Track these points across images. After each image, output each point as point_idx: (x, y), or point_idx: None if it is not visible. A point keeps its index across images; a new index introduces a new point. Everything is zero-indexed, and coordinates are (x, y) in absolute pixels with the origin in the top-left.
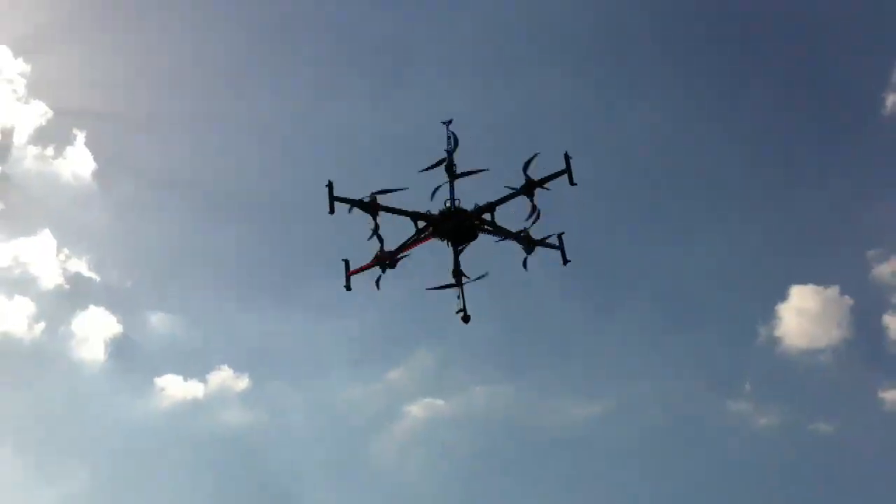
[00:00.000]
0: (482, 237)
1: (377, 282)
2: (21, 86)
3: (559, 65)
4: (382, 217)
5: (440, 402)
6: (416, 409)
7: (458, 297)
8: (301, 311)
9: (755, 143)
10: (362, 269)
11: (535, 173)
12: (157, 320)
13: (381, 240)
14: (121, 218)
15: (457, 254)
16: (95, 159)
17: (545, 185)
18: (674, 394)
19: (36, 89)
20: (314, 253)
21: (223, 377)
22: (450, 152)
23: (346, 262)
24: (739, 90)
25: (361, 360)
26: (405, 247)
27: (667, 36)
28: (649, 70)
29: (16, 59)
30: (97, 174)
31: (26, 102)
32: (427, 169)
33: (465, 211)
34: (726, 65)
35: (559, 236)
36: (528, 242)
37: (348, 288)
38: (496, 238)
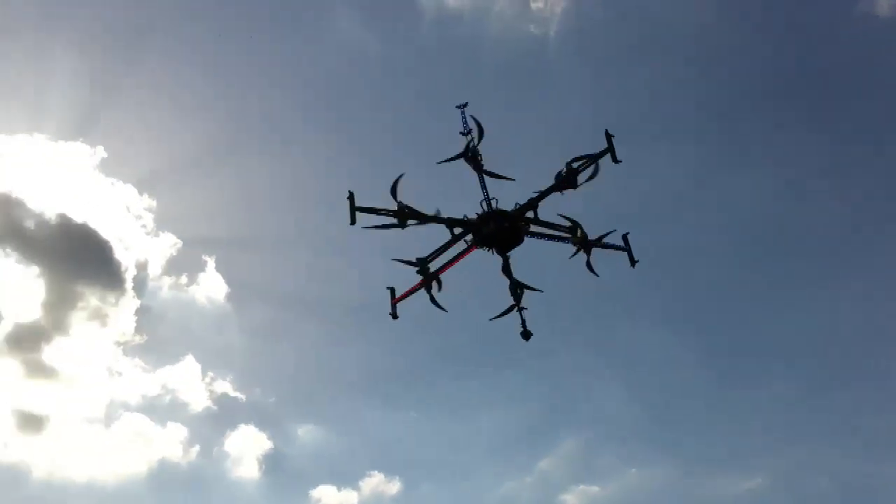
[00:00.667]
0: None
1: (393, 311)
2: (150, 220)
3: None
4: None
5: (595, 488)
6: (573, 499)
7: (519, 313)
8: (440, 408)
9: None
10: (408, 294)
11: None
12: (305, 432)
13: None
14: (257, 336)
15: (507, 263)
16: (227, 282)
17: (586, 167)
18: (830, 459)
19: (163, 222)
20: (443, 353)
21: (375, 483)
22: (470, 143)
23: (392, 290)
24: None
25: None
26: (448, 263)
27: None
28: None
29: (141, 196)
30: (230, 296)
31: (156, 235)
32: (447, 160)
33: (506, 212)
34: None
35: (624, 237)
36: (585, 244)
37: (394, 316)
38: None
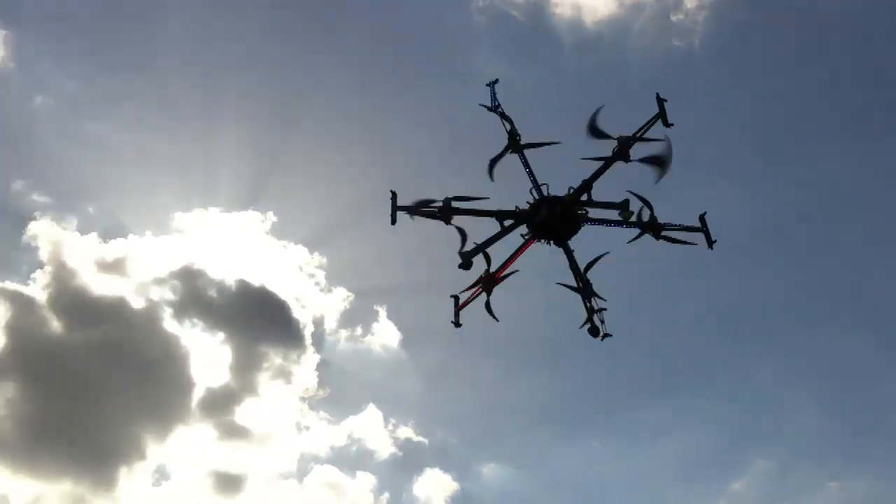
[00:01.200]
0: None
1: (456, 319)
2: (321, 277)
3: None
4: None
5: None
6: None
7: (591, 307)
8: (621, 436)
9: None
10: (470, 300)
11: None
12: (489, 471)
13: (487, 258)
14: (434, 379)
15: (570, 255)
16: (399, 329)
17: (642, 138)
18: None
19: (334, 277)
20: (617, 379)
21: None
22: (503, 117)
23: (456, 298)
24: None
25: None
26: (509, 260)
27: None
28: None
29: (312, 255)
30: (404, 343)
31: (329, 291)
32: (496, 159)
33: (559, 198)
34: None
35: (702, 217)
36: (656, 228)
37: (457, 324)
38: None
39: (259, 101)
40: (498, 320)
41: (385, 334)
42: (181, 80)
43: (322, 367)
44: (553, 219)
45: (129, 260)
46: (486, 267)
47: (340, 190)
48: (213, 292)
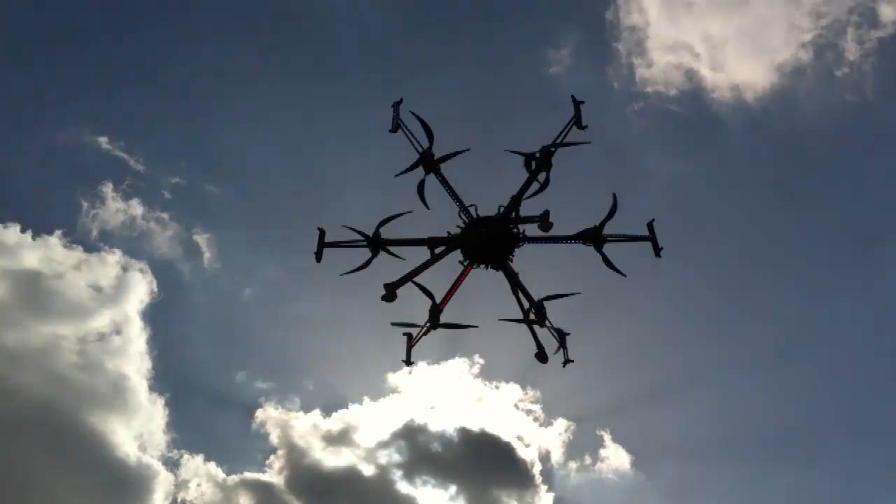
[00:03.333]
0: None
1: (408, 357)
2: (538, 411)
3: None
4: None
5: None
6: None
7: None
8: None
9: None
10: (420, 336)
11: None
12: None
13: (430, 296)
14: (676, 495)
15: (512, 278)
16: (628, 451)
17: (563, 144)
18: None
19: (551, 409)
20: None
21: None
22: (426, 154)
23: (409, 336)
24: None
25: None
26: (451, 290)
27: None
28: None
29: (524, 390)
30: (636, 463)
31: (549, 424)
32: (404, 172)
33: (490, 218)
34: None
35: (650, 224)
36: (598, 241)
37: (408, 363)
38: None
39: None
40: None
41: (615, 458)
42: None
43: None
44: (484, 241)
45: (353, 429)
46: (431, 301)
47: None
48: (437, 446)
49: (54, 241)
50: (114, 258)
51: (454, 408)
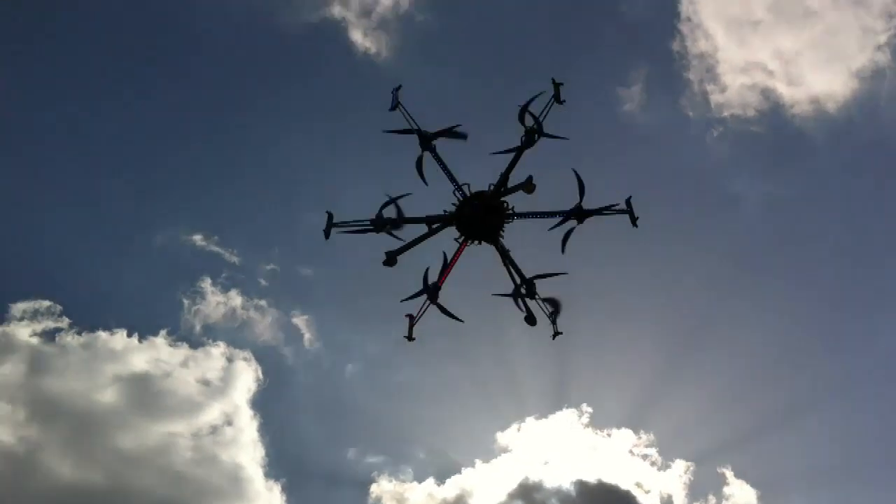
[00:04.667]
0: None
1: (409, 333)
2: (655, 455)
3: None
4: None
5: None
6: None
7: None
8: None
9: None
10: (420, 314)
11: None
12: None
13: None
14: None
15: (503, 253)
16: (753, 485)
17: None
18: None
19: (668, 451)
20: None
21: None
22: (424, 133)
23: (411, 317)
24: None
25: None
26: (447, 267)
27: None
28: None
29: (638, 435)
30: (763, 498)
31: (667, 467)
32: (393, 131)
33: (483, 193)
34: None
35: (628, 200)
36: (581, 215)
37: (410, 338)
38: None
39: None
40: (462, 321)
41: (740, 495)
42: None
43: None
44: (476, 216)
45: (469, 493)
46: (435, 278)
47: (644, 364)
48: (555, 502)
49: (160, 341)
50: (218, 350)
51: (568, 461)
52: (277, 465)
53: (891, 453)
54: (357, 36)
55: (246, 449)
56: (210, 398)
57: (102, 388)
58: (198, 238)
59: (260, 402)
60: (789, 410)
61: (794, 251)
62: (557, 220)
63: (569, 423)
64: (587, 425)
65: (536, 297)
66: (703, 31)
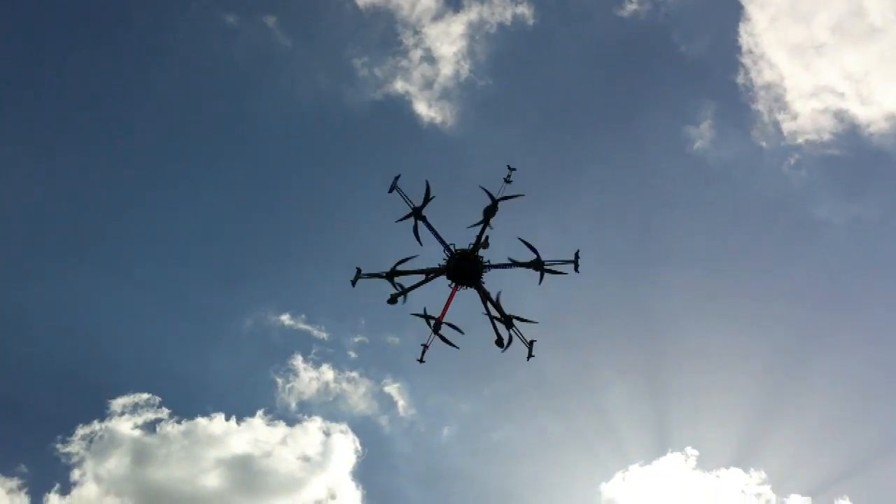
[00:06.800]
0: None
1: (422, 356)
2: (769, 492)
3: None
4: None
5: None
6: None
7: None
8: None
9: None
10: (430, 342)
11: None
12: None
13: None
14: None
15: (483, 293)
16: None
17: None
18: None
19: (781, 486)
20: None
21: None
22: (416, 208)
23: (424, 346)
24: None
25: None
26: (445, 309)
27: None
28: None
29: (748, 472)
30: None
31: None
32: (400, 220)
33: (465, 251)
34: None
35: (577, 252)
36: (538, 266)
37: (422, 361)
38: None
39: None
40: (458, 347)
41: None
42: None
43: None
44: (460, 267)
45: None
46: (433, 320)
47: (748, 400)
48: None
49: (257, 421)
50: (315, 425)
51: None
52: None
53: None
54: (422, 108)
55: None
56: (311, 474)
57: (205, 472)
58: (285, 318)
59: (361, 473)
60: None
61: (886, 272)
62: (520, 269)
63: (675, 467)
64: (694, 468)
65: (514, 329)
66: (767, 61)
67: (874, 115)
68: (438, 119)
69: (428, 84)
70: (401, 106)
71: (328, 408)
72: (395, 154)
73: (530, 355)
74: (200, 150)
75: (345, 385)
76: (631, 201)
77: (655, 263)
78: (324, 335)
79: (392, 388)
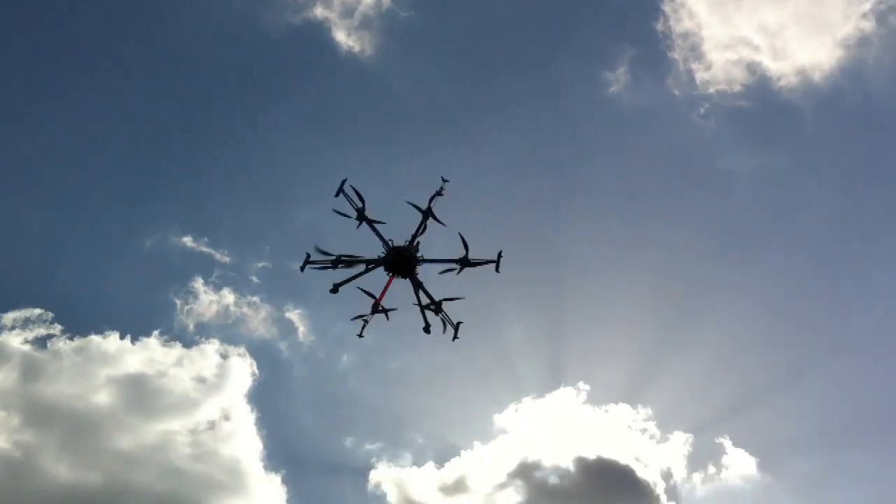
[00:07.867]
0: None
1: (362, 330)
2: (653, 428)
3: None
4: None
5: None
6: None
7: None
8: None
9: None
10: (369, 320)
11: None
12: None
13: (375, 301)
14: (807, 492)
15: (416, 283)
16: (751, 453)
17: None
18: None
19: (666, 424)
20: None
21: None
22: (358, 209)
23: (364, 322)
24: None
25: None
26: (382, 293)
27: None
28: None
29: (635, 409)
30: (762, 465)
31: (665, 440)
32: (339, 213)
33: (402, 247)
34: None
35: (499, 253)
36: (465, 263)
37: (361, 336)
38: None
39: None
40: (388, 318)
41: (739, 464)
42: None
43: None
44: (397, 260)
45: (469, 475)
46: (373, 300)
47: (640, 340)
48: (555, 479)
49: (153, 342)
50: (212, 348)
51: (566, 438)
52: (276, 457)
53: (889, 415)
54: (341, 36)
55: (244, 443)
56: (206, 395)
57: (97, 390)
58: (187, 240)
59: (256, 397)
60: (785, 377)
61: (786, 221)
62: (448, 266)
63: (566, 401)
64: (585, 402)
65: (443, 312)
66: (688, 11)
67: (785, 69)
68: (357, 48)
69: (348, 12)
70: (320, 31)
71: (227, 331)
72: (310, 80)
73: (455, 337)
74: (111, 66)
75: (245, 309)
76: (545, 141)
77: (564, 204)
78: (226, 259)
79: (293, 315)
